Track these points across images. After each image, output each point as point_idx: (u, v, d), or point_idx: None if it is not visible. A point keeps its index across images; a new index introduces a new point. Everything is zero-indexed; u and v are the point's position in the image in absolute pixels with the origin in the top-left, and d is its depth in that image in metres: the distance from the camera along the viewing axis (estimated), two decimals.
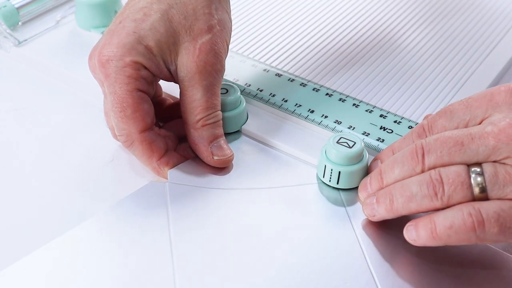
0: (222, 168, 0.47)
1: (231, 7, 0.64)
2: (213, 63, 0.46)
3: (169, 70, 0.46)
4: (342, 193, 0.45)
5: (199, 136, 0.46)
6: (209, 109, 0.46)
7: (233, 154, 0.47)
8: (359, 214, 0.44)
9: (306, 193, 0.45)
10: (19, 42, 0.59)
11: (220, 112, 0.47)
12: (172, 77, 0.47)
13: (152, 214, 0.43)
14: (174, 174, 0.46)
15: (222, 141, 0.47)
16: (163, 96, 0.52)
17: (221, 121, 0.47)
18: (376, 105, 0.52)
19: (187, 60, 0.45)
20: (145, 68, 0.45)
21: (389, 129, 0.49)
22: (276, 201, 0.45)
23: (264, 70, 0.55)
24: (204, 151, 0.46)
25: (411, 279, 0.40)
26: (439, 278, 0.40)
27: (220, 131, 0.47)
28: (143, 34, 0.45)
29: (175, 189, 0.45)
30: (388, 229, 0.42)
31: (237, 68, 0.55)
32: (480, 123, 0.40)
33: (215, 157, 0.46)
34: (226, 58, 0.56)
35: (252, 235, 0.42)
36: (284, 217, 0.44)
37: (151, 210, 0.44)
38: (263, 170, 0.47)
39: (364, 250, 0.41)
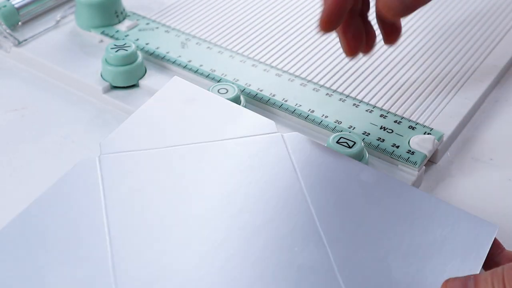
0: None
1: (231, 7, 0.64)
2: None
3: None
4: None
5: None
6: None
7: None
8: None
9: None
10: (19, 42, 0.59)
11: None
12: None
13: (84, 198, 0.41)
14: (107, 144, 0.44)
15: None
16: None
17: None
18: (376, 105, 0.52)
19: None
20: None
21: (389, 129, 0.49)
22: None
23: (264, 70, 0.55)
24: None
25: None
26: None
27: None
28: None
29: (109, 161, 0.43)
30: None
31: (237, 68, 0.55)
32: None
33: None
34: (226, 59, 0.56)
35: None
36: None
37: (83, 194, 0.42)
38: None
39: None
